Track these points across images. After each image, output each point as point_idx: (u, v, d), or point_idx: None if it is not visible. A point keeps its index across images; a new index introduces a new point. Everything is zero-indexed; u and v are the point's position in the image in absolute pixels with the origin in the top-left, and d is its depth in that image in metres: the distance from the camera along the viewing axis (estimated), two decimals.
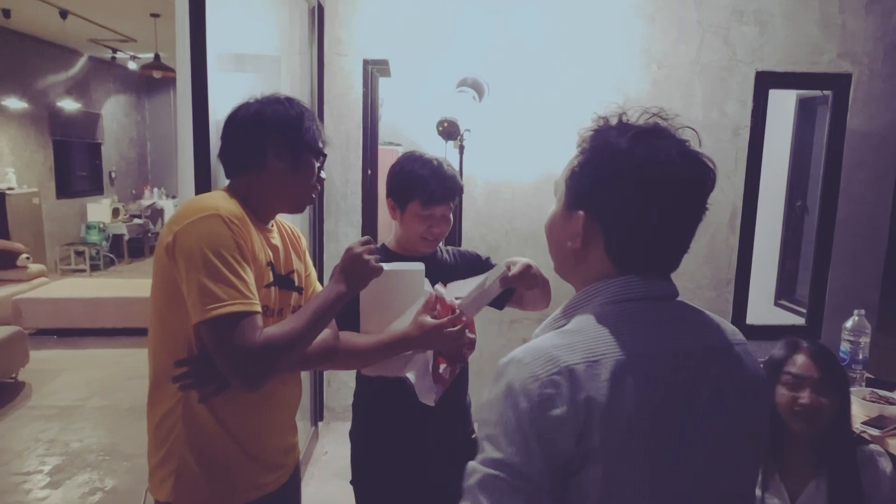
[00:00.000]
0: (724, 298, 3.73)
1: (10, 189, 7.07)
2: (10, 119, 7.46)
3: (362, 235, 3.60)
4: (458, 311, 1.49)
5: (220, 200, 1.23)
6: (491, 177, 3.61)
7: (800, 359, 1.54)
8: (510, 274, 1.50)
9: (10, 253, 6.18)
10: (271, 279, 1.30)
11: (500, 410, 0.74)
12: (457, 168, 3.02)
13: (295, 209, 1.39)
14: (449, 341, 1.47)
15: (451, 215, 1.66)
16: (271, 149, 1.28)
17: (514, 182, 3.61)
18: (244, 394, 1.23)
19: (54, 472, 3.20)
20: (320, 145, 1.33)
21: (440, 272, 1.65)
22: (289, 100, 1.32)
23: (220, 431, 1.26)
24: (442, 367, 1.50)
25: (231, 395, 1.24)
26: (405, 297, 1.51)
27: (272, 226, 1.37)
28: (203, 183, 1.71)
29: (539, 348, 0.76)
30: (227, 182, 1.37)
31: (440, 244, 1.73)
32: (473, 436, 1.81)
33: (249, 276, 1.19)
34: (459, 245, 3.39)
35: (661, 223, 0.80)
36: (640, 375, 0.74)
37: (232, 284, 1.14)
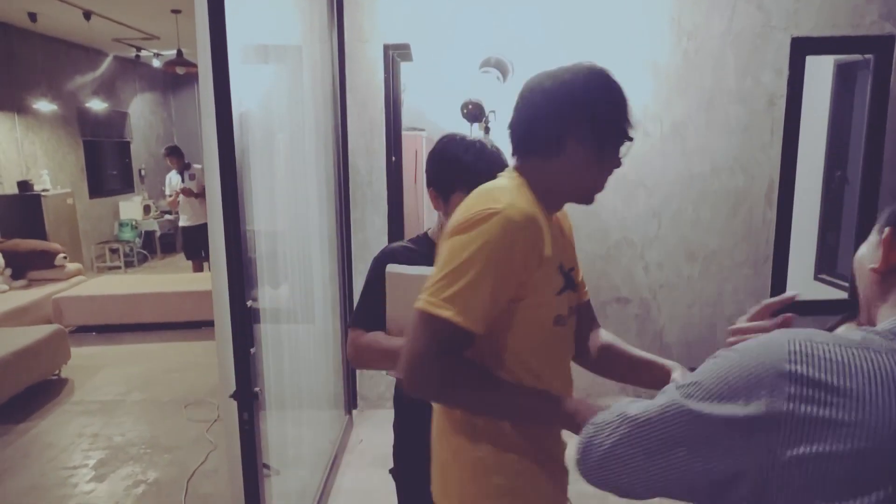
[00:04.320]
0: (763, 275, 3.62)
1: (45, 191, 7.22)
2: (42, 122, 7.61)
3: (389, 224, 3.58)
4: None
5: (511, 195, 1.05)
6: None
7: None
8: None
9: (48, 253, 6.33)
10: (563, 284, 1.14)
11: None
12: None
13: (586, 200, 1.17)
14: None
15: None
16: (575, 131, 1.07)
17: None
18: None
19: (99, 465, 3.28)
20: (628, 129, 1.10)
21: None
22: (598, 73, 1.09)
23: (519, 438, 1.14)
24: None
25: None
26: None
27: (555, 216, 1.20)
28: (229, 178, 1.69)
29: None
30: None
31: None
32: None
33: (497, 296, 1.03)
34: None
35: None
36: None
37: (469, 295, 1.00)
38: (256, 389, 1.79)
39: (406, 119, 3.61)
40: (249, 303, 1.79)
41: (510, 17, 3.39)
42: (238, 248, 1.71)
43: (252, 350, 1.79)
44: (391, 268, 1.50)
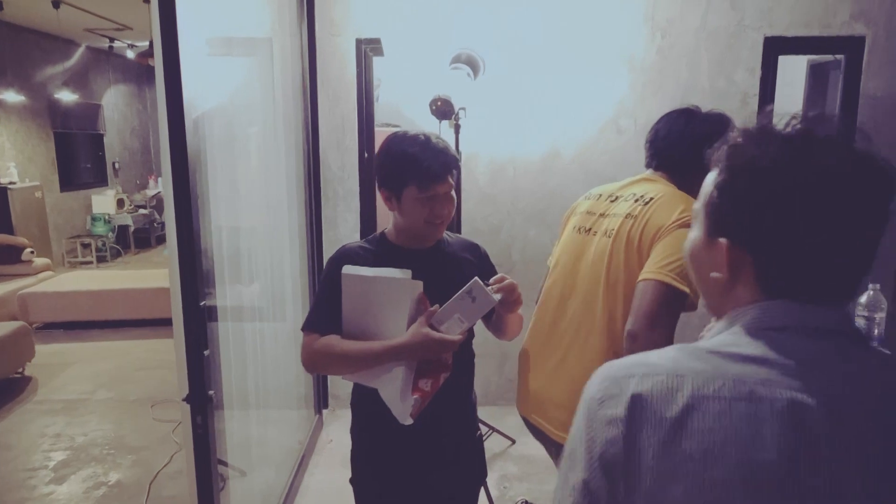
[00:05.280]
0: None
1: (12, 183, 7.05)
2: (10, 113, 7.42)
3: (361, 221, 3.53)
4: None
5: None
6: (494, 155, 3.50)
7: None
8: (502, 285, 1.43)
9: (14, 248, 6.18)
10: None
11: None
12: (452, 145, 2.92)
13: None
14: (438, 351, 1.41)
15: (454, 192, 1.52)
16: (706, 165, 1.47)
17: (519, 159, 3.50)
18: None
19: (59, 466, 3.19)
20: None
21: (444, 262, 1.56)
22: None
23: None
24: (422, 381, 1.42)
25: None
26: (391, 304, 1.42)
27: None
28: (181, 177, 1.63)
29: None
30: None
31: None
32: (478, 434, 1.73)
33: None
34: (460, 228, 3.31)
35: (826, 246, 0.67)
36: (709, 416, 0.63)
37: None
38: (211, 392, 1.74)
39: (380, 115, 3.55)
40: (204, 302, 1.73)
41: (483, 12, 3.35)
42: (190, 245, 1.65)
43: (206, 352, 1.73)
44: (347, 269, 1.45)
